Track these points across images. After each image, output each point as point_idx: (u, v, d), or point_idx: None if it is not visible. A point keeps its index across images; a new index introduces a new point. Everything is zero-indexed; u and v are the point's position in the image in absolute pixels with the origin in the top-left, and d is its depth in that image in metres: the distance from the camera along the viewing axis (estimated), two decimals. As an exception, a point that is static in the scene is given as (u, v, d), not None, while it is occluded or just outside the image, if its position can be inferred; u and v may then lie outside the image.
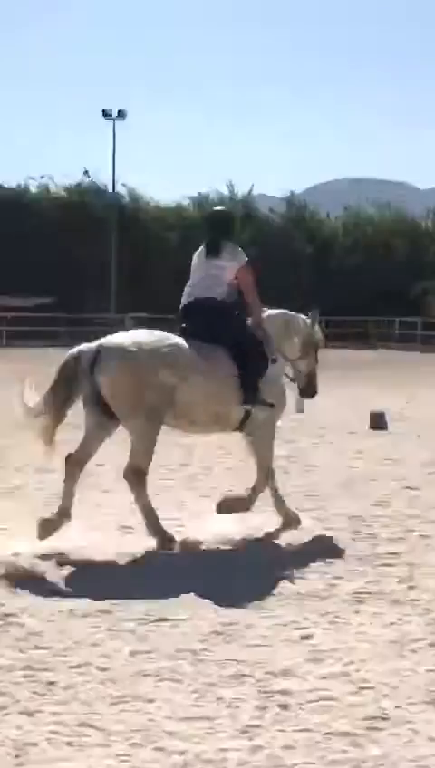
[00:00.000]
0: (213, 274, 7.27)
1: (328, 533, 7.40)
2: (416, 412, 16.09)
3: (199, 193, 47.40)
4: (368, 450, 11.82)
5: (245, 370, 7.06)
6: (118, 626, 5.16)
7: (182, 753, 3.69)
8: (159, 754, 3.68)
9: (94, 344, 6.94)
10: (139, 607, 5.48)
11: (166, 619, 5.27)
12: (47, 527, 6.69)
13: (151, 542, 6.83)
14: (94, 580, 5.98)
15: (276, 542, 7.16)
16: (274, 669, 4.55)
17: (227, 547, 6.92)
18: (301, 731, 3.90)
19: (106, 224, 41.59)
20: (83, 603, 5.53)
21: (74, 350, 7.00)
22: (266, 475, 7.43)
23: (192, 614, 5.38)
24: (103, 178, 44.49)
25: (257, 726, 3.94)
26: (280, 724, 3.97)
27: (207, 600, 5.63)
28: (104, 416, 6.89)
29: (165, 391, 6.80)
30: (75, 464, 6.91)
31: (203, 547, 6.89)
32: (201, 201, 46.62)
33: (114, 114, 41.67)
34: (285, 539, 7.21)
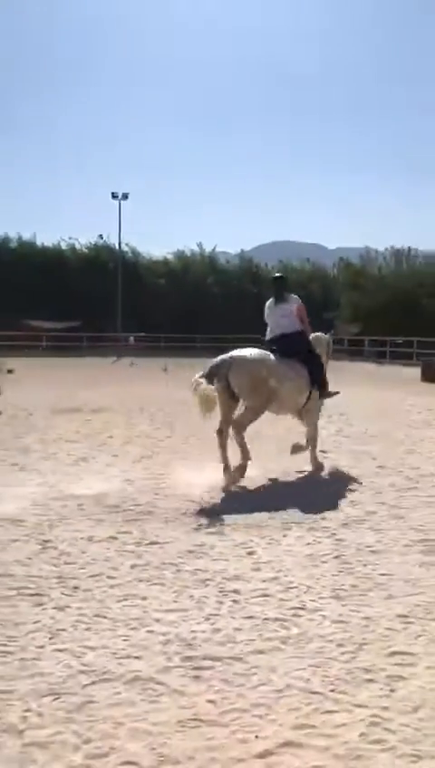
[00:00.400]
0: (284, 314, 7.96)
1: (271, 481, 7.40)
2: (327, 401, 16.10)
3: (178, 249, 47.23)
4: (297, 424, 11.78)
5: (313, 373, 7.94)
6: (122, 548, 5.14)
7: (165, 634, 3.69)
8: (150, 635, 3.69)
9: (228, 356, 7.50)
10: (137, 534, 5.47)
11: (156, 543, 5.26)
12: (230, 479, 7.15)
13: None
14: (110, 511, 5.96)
15: (234, 488, 7.14)
16: (228, 576, 4.55)
17: (209, 494, 6.90)
18: (247, 617, 3.91)
19: (115, 271, 41.36)
20: (100, 531, 5.50)
21: (217, 359, 7.48)
22: (314, 435, 8.20)
23: (174, 539, 5.37)
24: (113, 239, 44.28)
25: (217, 615, 3.94)
26: (233, 613, 3.98)
27: (182, 530, 5.63)
28: (232, 399, 7.46)
29: (269, 389, 7.45)
30: (220, 433, 7.49)
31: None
32: (180, 255, 46.47)
33: (120, 196, 41.38)
34: (242, 483, 7.20)
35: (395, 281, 38.01)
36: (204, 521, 5.86)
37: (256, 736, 2.78)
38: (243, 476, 7.27)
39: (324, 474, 7.92)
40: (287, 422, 9.37)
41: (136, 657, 3.43)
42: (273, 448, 9.19)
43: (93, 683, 3.19)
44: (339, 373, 23.88)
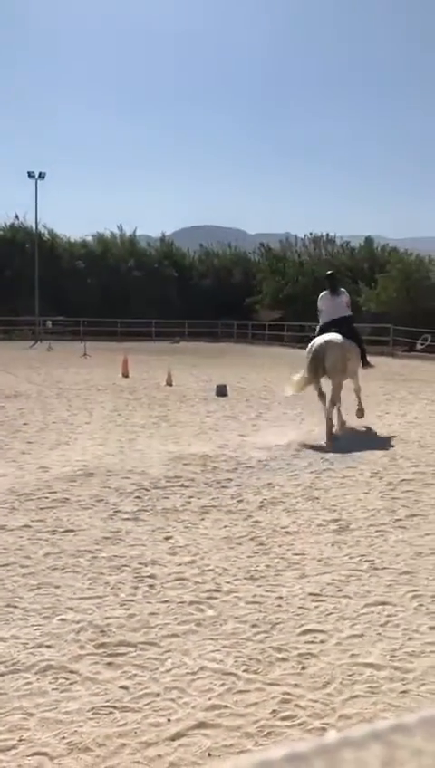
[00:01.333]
0: (337, 303, 9.97)
1: (184, 466, 7.42)
2: (247, 385, 16.33)
3: (98, 232, 46.30)
4: (214, 410, 11.90)
5: (361, 349, 9.96)
6: (36, 536, 5.03)
7: (79, 621, 3.65)
8: (63, 623, 3.63)
9: (322, 339, 9.41)
10: (51, 522, 5.37)
11: (71, 530, 5.18)
12: (332, 439, 8.83)
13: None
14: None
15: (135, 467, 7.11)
16: (145, 561, 4.54)
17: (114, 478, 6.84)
18: (162, 602, 3.91)
19: (31, 253, 40.22)
20: (13, 521, 5.36)
21: (315, 341, 9.45)
22: (360, 387, 10.33)
23: (89, 526, 5.30)
24: (29, 220, 42.97)
25: (132, 601, 3.93)
26: (148, 598, 3.97)
27: (98, 517, 5.57)
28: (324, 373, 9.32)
29: (346, 363, 9.41)
30: (321, 396, 9.37)
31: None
32: (99, 238, 45.60)
33: (36, 175, 40.16)
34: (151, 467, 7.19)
35: (314, 267, 38.70)
36: (121, 507, 5.81)
37: (169, 719, 2.79)
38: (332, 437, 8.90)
39: (244, 456, 8.01)
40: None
41: (48, 647, 3.37)
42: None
43: (2, 674, 3.11)
44: (261, 358, 24.17)
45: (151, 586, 4.13)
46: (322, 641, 3.49)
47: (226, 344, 35.64)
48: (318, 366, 9.19)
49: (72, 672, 3.15)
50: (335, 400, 9.27)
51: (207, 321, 39.57)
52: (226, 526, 5.35)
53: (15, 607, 3.79)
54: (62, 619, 3.65)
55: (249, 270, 44.41)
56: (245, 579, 4.26)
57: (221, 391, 14.19)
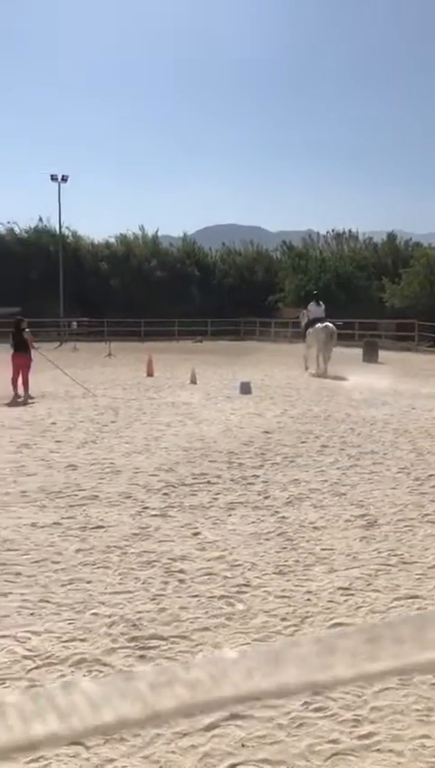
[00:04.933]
0: (320, 310, 18.00)
1: (210, 463, 7.45)
2: (271, 382, 16.31)
3: (121, 233, 46.53)
4: (239, 408, 11.91)
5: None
6: (66, 533, 5.10)
7: (110, 616, 3.69)
8: (95, 617, 3.68)
9: (327, 323, 17.20)
10: (81, 519, 5.43)
11: (100, 527, 5.24)
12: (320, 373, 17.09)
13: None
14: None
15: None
16: (174, 556, 4.58)
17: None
18: (193, 596, 3.95)
19: (56, 255, 40.58)
20: (44, 518, 5.44)
21: (319, 325, 17.35)
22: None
23: (118, 522, 5.36)
24: (53, 222, 43.36)
25: (162, 595, 3.97)
26: (178, 592, 4.01)
27: (127, 513, 5.62)
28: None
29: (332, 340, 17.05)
30: (323, 359, 17.43)
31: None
32: (122, 239, 45.82)
33: (59, 178, 40.47)
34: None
35: (336, 263, 38.49)
36: (149, 504, 5.86)
37: (201, 711, 2.81)
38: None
39: (270, 452, 8.01)
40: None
41: (81, 640, 3.42)
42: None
43: (37, 667, 3.17)
44: (284, 356, 24.11)
45: (181, 581, 4.16)
46: (352, 635, 3.49)
47: (248, 342, 35.61)
48: (329, 340, 17.07)
49: (105, 665, 3.20)
50: (327, 360, 17.20)
51: (229, 319, 39.60)
52: (253, 522, 5.37)
53: (48, 602, 3.85)
54: (94, 614, 3.70)
55: (271, 268, 44.29)
56: (274, 573, 4.28)
57: (245, 389, 14.19)
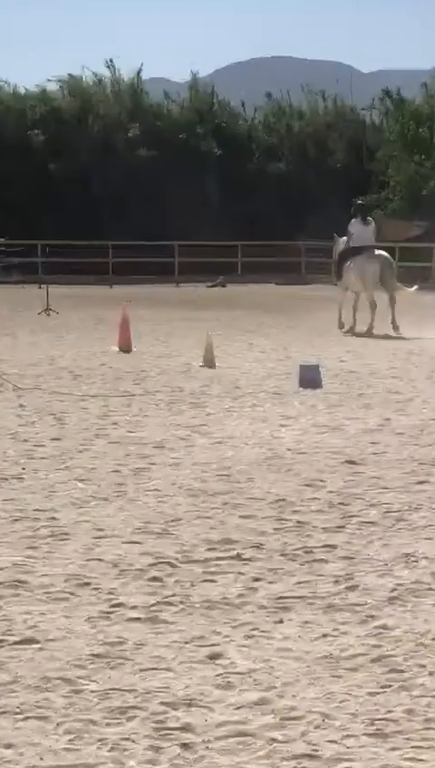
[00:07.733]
0: (366, 231, 24.53)
1: (241, 520, 7.47)
2: (358, 365, 16.26)
3: (70, 75, 46.32)
4: (296, 416, 11.87)
5: None
6: None
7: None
8: None
9: (380, 253, 24.72)
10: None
11: (31, 642, 5.27)
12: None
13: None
14: None
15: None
16: (171, 702, 4.58)
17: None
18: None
19: None
20: None
21: (376, 252, 24.74)
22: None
23: (65, 633, 5.39)
24: None
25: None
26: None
27: (81, 616, 5.66)
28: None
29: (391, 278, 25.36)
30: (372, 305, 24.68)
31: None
32: (72, 85, 45.63)
33: None
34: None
35: None
36: (121, 599, 5.91)
37: None
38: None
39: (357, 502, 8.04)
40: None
41: None
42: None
43: None
44: (385, 316, 24.20)
45: (185, 760, 4.09)
46: None
47: (316, 286, 35.70)
48: (384, 277, 22.76)
49: None
50: (393, 306, 23.27)
51: (278, 243, 39.51)
52: (325, 635, 5.39)
53: None
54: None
55: (362, 141, 44.21)
56: (364, 736, 4.27)
57: (310, 378, 14.17)
